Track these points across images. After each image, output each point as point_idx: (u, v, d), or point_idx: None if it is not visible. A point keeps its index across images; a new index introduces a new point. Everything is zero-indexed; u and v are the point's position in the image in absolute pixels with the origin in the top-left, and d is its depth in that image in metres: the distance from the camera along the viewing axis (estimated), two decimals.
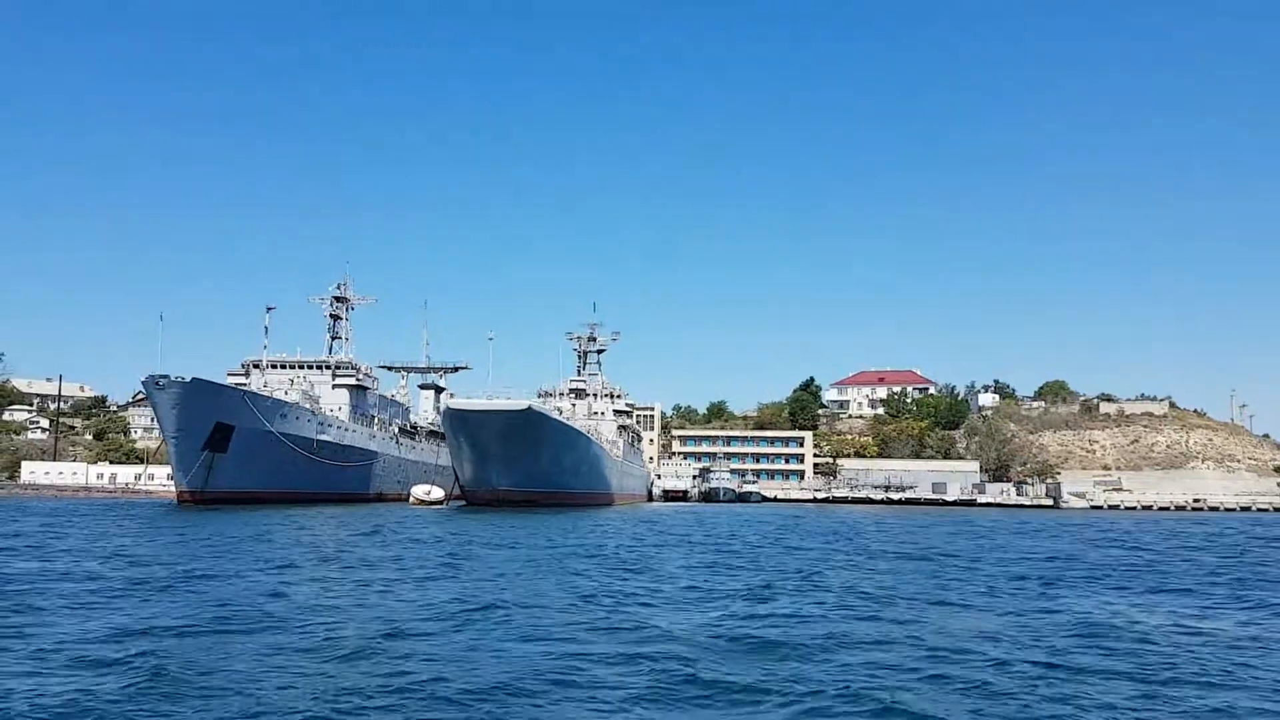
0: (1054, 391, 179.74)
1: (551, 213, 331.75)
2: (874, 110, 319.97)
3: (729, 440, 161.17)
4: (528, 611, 18.19)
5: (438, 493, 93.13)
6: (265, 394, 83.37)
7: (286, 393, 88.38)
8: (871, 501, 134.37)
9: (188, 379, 73.39)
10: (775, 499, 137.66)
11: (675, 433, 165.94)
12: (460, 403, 75.01)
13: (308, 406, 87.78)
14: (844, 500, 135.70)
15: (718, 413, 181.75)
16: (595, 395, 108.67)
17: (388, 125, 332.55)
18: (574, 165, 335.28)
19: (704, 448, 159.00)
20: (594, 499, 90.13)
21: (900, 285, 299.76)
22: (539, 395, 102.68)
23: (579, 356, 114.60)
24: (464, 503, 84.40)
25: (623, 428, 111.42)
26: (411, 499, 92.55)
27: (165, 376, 72.23)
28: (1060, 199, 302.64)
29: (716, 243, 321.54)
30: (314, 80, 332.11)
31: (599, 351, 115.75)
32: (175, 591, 20.58)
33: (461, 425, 74.51)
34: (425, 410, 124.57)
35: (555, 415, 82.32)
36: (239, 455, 77.29)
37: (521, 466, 75.86)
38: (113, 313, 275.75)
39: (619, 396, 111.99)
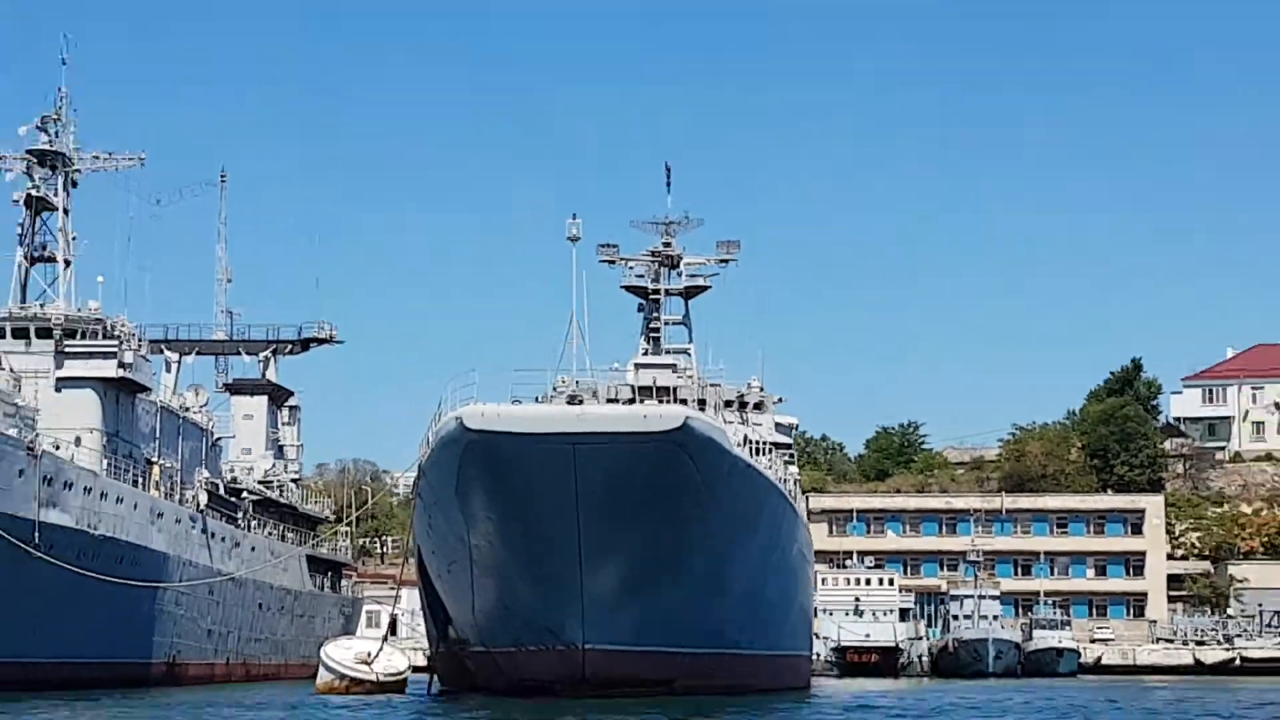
0: None
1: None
2: None
3: (945, 518, 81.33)
4: None
5: (398, 660, 33.10)
6: None
7: None
8: None
9: None
10: (1099, 662, 65.89)
11: (814, 501, 74.69)
12: (496, 413, 21.41)
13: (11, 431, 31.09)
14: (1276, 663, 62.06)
15: (907, 447, 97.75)
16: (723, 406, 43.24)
17: None
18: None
19: (889, 536, 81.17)
20: (780, 669, 32.96)
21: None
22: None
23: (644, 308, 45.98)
24: (444, 684, 28.70)
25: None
26: (323, 674, 32.93)
27: None
28: None
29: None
30: None
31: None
32: None
33: (496, 475, 21.73)
34: (242, 442, 56.32)
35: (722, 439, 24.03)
36: None
37: (648, 585, 23.28)
38: None
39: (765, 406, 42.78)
